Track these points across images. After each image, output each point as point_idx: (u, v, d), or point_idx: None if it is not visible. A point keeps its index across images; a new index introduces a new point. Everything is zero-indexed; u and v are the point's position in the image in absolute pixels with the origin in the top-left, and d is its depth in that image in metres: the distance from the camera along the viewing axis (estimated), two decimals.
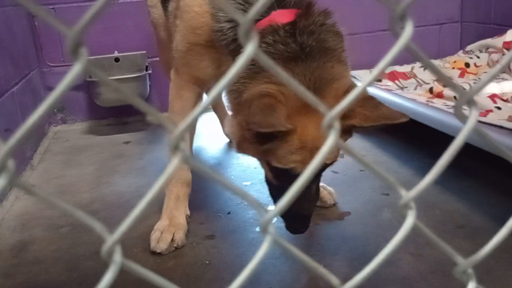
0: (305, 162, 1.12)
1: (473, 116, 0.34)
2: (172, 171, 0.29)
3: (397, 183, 0.37)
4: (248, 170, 1.94)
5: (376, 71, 0.32)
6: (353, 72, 2.30)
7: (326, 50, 1.15)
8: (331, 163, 1.21)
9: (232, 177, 1.90)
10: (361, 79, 2.24)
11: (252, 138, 1.11)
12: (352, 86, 1.14)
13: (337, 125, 0.32)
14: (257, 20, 1.17)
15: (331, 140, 0.32)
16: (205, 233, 1.47)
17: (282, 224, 1.52)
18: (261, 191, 1.75)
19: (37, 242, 1.48)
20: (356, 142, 2.16)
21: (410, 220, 0.36)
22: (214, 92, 0.32)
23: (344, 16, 3.23)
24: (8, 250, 1.44)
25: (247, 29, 0.31)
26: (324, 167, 1.22)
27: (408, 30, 0.32)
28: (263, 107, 1.02)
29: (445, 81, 0.35)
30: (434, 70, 0.34)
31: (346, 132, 1.14)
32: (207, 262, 1.32)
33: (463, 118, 0.34)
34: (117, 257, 0.29)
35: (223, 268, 1.29)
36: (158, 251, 1.36)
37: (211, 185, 1.84)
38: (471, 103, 0.34)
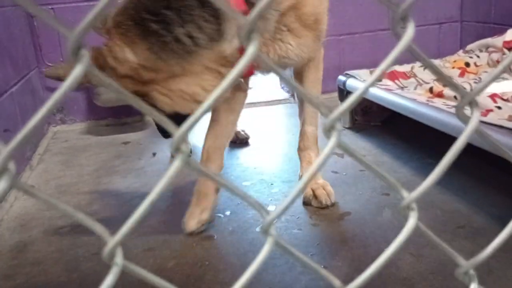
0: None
1: (475, 117, 0.34)
2: (173, 173, 0.29)
3: (399, 185, 0.36)
4: (247, 170, 1.94)
5: (377, 72, 0.31)
6: (354, 72, 2.30)
7: None
8: None
9: (232, 177, 1.90)
10: (361, 79, 2.23)
11: None
12: None
13: (339, 126, 0.32)
14: None
15: (332, 141, 0.32)
16: (205, 234, 1.47)
17: (281, 224, 1.52)
18: (261, 191, 1.75)
19: (36, 243, 1.48)
20: (356, 142, 2.16)
21: (412, 221, 0.36)
22: (214, 94, 0.32)
23: (344, 16, 3.23)
24: (7, 251, 1.44)
25: (249, 30, 0.31)
26: None
27: (409, 31, 0.32)
28: None
29: (447, 82, 0.35)
30: (436, 71, 0.34)
31: None
32: (207, 262, 1.32)
33: (465, 119, 0.34)
34: (119, 259, 0.29)
35: (223, 269, 1.29)
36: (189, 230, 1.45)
37: None
38: (473, 104, 0.34)
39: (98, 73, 0.29)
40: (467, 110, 0.37)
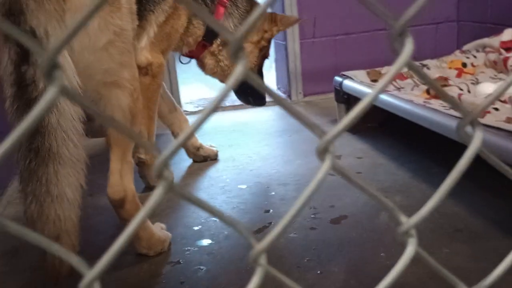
0: None
1: (477, 138, 0.32)
2: (155, 203, 0.27)
3: (397, 209, 0.35)
4: (243, 173, 1.92)
5: (377, 89, 0.30)
6: (350, 73, 2.29)
7: None
8: None
9: (228, 180, 1.88)
10: (358, 80, 2.22)
11: None
12: None
13: (332, 148, 0.30)
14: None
15: (326, 165, 0.30)
16: (200, 238, 1.45)
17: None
18: (258, 194, 1.73)
19: (29, 248, 1.45)
20: (352, 144, 2.14)
21: (411, 248, 0.34)
22: (201, 115, 0.30)
23: (341, 16, 3.20)
24: (0, 257, 1.42)
25: (237, 48, 0.29)
26: None
27: (408, 48, 0.30)
28: None
29: (449, 100, 0.33)
30: (437, 89, 0.32)
31: None
32: (202, 268, 1.30)
33: (467, 139, 0.32)
34: None
35: (218, 274, 1.27)
36: None
37: (206, 188, 1.82)
38: (474, 123, 0.32)
39: (75, 94, 0.27)
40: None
